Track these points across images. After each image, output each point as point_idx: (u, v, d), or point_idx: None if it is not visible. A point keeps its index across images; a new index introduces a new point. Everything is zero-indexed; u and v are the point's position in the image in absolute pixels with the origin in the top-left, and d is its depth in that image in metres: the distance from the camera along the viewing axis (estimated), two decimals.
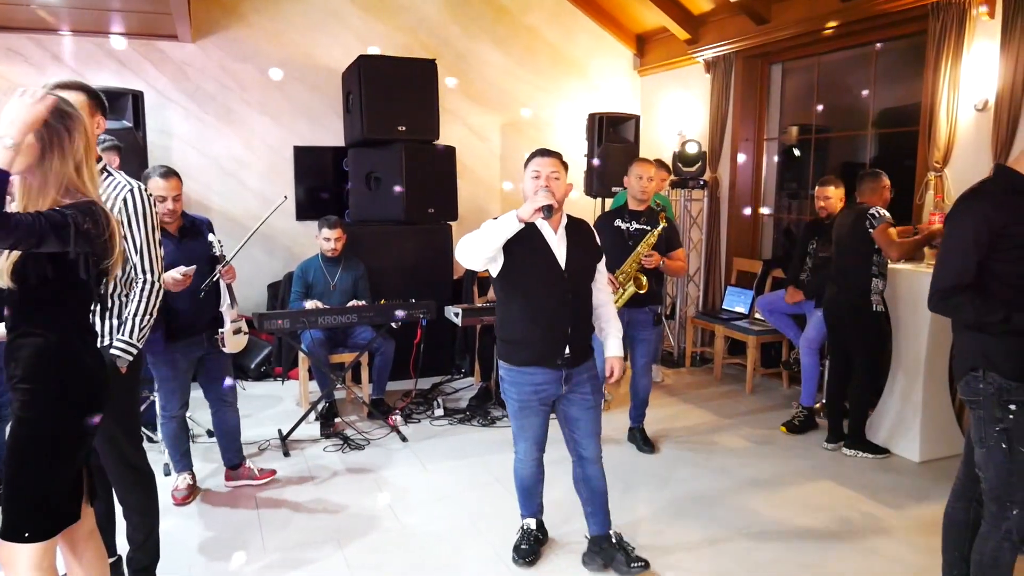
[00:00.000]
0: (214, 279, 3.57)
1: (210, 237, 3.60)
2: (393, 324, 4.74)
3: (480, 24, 6.69)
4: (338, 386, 4.89)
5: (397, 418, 4.77)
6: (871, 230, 4.09)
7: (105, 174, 2.56)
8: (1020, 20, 4.07)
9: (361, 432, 4.66)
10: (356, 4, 6.26)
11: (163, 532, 2.87)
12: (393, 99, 5.54)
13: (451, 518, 3.57)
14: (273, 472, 3.96)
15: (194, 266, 3.27)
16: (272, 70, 6.02)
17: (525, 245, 2.78)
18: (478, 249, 2.68)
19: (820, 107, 5.92)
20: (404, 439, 4.58)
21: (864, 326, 4.24)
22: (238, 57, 5.95)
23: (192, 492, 3.75)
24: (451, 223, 5.97)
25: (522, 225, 2.62)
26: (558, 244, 2.86)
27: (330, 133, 6.27)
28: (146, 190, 2.61)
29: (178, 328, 3.48)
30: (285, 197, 4.54)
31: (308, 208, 6.21)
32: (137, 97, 5.07)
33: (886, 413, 4.48)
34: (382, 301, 4.85)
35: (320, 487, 3.91)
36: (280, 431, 4.54)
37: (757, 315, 5.74)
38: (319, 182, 6.26)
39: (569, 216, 2.96)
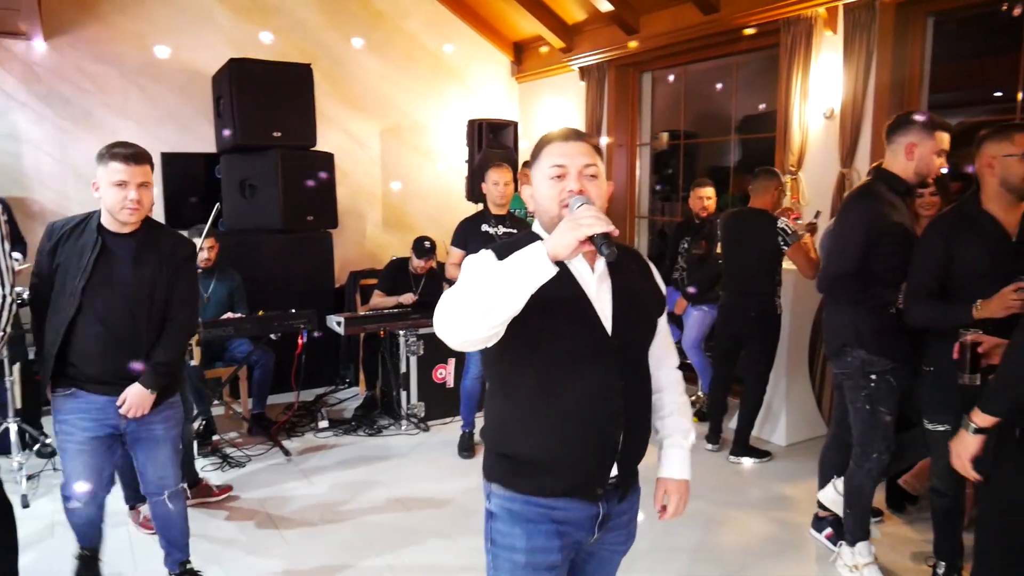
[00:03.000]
0: None
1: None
2: (272, 336, 4.60)
3: (357, 29, 6.61)
4: (215, 402, 4.69)
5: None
6: (784, 247, 3.96)
7: None
8: (859, 35, 4.45)
9: (241, 448, 4.49)
10: (226, 5, 6.04)
11: (23, 565, 2.68)
12: (267, 105, 5.39)
13: (339, 532, 3.50)
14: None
15: None
16: (134, 72, 5.72)
17: (540, 291, 1.41)
18: (480, 315, 1.39)
19: (687, 114, 6.23)
20: (287, 453, 4.45)
21: (770, 331, 4.19)
22: (96, 58, 5.61)
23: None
24: (331, 230, 5.87)
25: (556, 269, 1.40)
26: (598, 289, 1.64)
27: (200, 139, 6.01)
28: None
29: None
30: (217, 204, 4.02)
31: (177, 218, 5.91)
32: None
33: None
34: (260, 312, 4.70)
35: (198, 509, 3.73)
36: None
37: None
38: (189, 190, 5.98)
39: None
